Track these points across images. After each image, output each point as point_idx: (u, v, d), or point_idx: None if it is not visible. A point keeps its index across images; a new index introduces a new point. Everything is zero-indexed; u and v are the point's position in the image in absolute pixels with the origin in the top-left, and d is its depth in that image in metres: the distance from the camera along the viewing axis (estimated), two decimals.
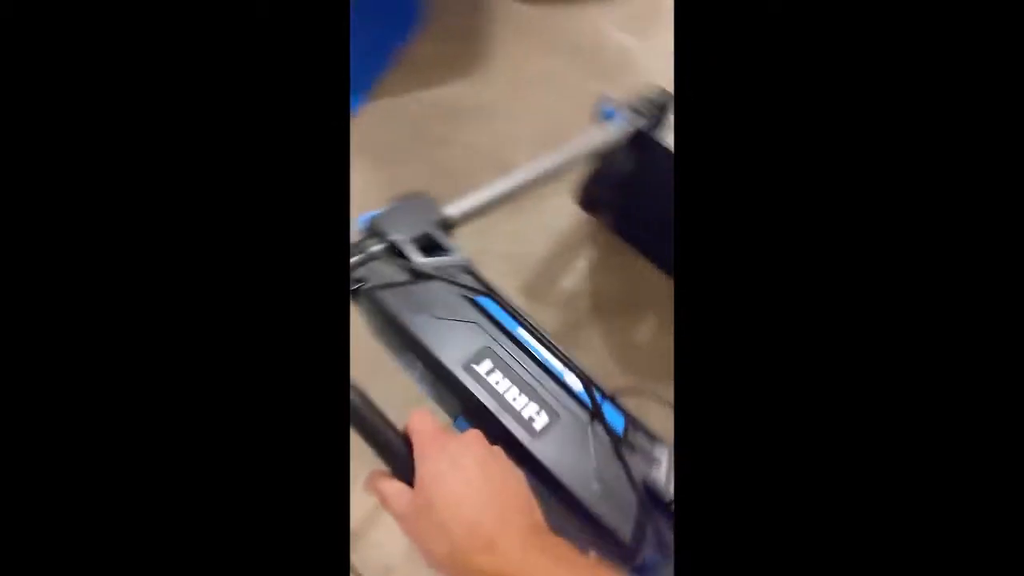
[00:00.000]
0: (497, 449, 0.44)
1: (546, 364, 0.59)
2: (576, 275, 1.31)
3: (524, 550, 0.37)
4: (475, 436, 0.44)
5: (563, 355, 0.61)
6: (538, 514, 0.41)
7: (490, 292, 0.65)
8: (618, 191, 1.18)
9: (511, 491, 0.41)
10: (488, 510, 0.39)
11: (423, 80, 1.51)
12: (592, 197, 1.25)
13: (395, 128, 1.44)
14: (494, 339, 0.59)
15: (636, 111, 1.10)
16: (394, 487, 0.42)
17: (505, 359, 0.58)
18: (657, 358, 1.17)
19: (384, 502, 0.42)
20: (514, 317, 0.63)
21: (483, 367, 0.56)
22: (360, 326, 0.61)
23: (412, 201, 0.74)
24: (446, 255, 0.68)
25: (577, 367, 0.60)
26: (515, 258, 1.31)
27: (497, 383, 0.56)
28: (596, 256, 1.33)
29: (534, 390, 0.56)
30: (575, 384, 0.59)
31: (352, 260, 0.65)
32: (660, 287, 1.22)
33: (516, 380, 0.56)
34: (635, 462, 0.54)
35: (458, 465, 0.41)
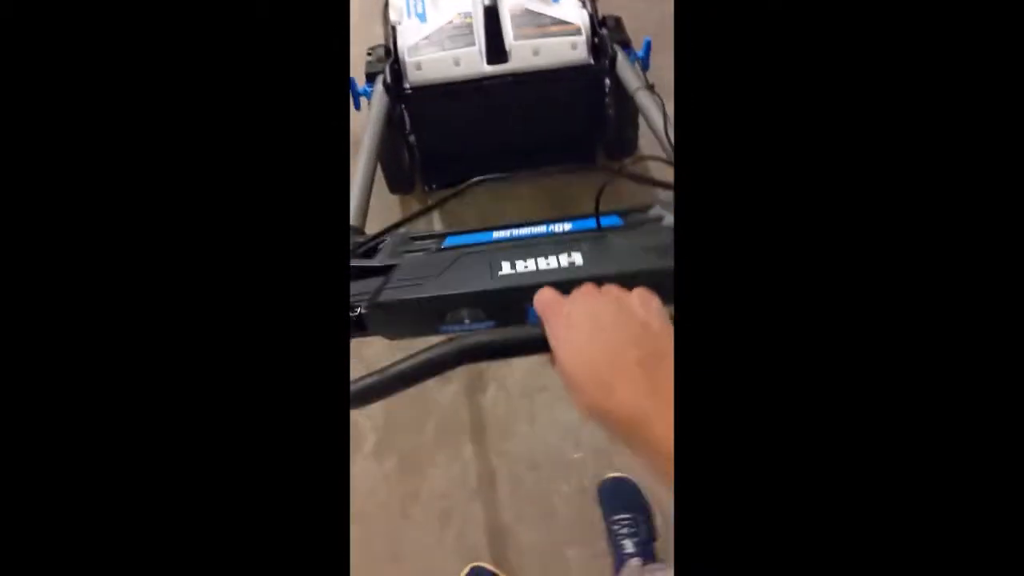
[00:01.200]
0: (607, 290, 0.46)
1: (536, 234, 0.65)
2: None
3: (635, 394, 0.38)
4: (584, 291, 0.46)
5: (535, 221, 0.67)
6: (654, 342, 0.41)
7: (445, 233, 0.68)
8: None
9: (621, 331, 0.42)
10: (602, 357, 0.41)
11: None
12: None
13: None
14: (488, 251, 0.62)
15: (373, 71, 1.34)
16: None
17: (512, 253, 0.61)
18: None
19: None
20: (481, 231, 0.67)
21: (505, 268, 0.60)
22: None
23: None
24: (384, 240, 0.70)
25: (552, 219, 0.66)
26: None
27: (526, 267, 0.60)
28: None
29: (553, 247, 0.61)
30: (566, 225, 0.65)
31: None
32: None
33: (534, 254, 0.60)
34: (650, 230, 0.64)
35: (572, 324, 0.43)
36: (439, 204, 0.70)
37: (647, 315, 0.43)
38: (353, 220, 0.86)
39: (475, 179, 0.72)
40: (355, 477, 1.28)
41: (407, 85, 1.30)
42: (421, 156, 1.52)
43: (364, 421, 1.33)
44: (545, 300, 0.47)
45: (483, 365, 1.35)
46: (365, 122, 1.38)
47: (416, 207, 1.61)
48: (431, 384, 1.35)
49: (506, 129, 1.45)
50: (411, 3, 1.40)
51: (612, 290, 0.45)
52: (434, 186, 1.59)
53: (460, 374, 1.37)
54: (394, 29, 1.35)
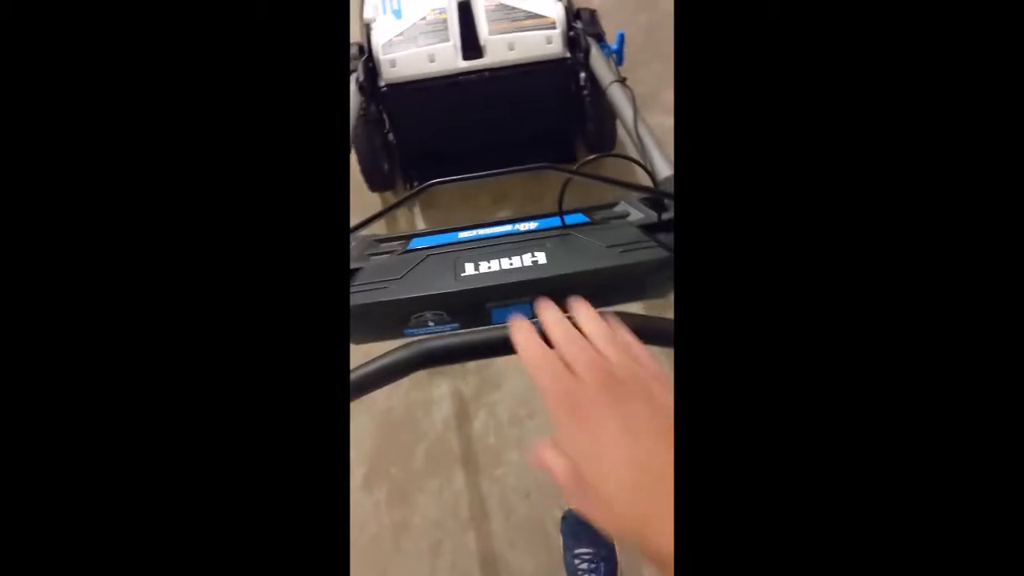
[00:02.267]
0: (626, 372, 0.40)
1: (501, 233, 0.64)
2: None
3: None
4: (598, 375, 0.39)
5: (502, 220, 0.66)
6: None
7: (411, 235, 0.67)
8: None
9: (659, 443, 0.36)
10: (641, 480, 0.35)
11: None
12: None
13: None
14: (452, 252, 0.62)
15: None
16: (556, 461, 0.39)
17: (476, 254, 0.61)
18: None
19: (552, 476, 0.39)
20: (447, 231, 0.66)
21: (468, 269, 0.59)
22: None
23: None
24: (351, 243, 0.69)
25: (518, 217, 0.66)
26: None
27: (489, 267, 0.59)
28: None
29: (517, 247, 0.60)
30: (531, 224, 0.64)
31: None
32: None
33: (497, 254, 0.60)
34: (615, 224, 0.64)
35: (598, 434, 0.37)
36: (398, 204, 0.70)
37: (671, 399, 0.38)
38: None
39: (433, 182, 0.72)
40: None
41: (382, 83, 1.29)
42: (401, 153, 1.52)
43: (353, 451, 1.32)
44: (550, 379, 0.40)
45: (472, 391, 1.35)
46: None
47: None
48: (419, 412, 1.36)
49: (485, 124, 1.44)
50: (386, 0, 1.39)
51: (631, 369, 0.40)
52: (416, 183, 1.58)
53: (448, 400, 1.36)
54: (368, 26, 1.34)
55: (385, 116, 1.40)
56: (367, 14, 1.40)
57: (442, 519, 1.25)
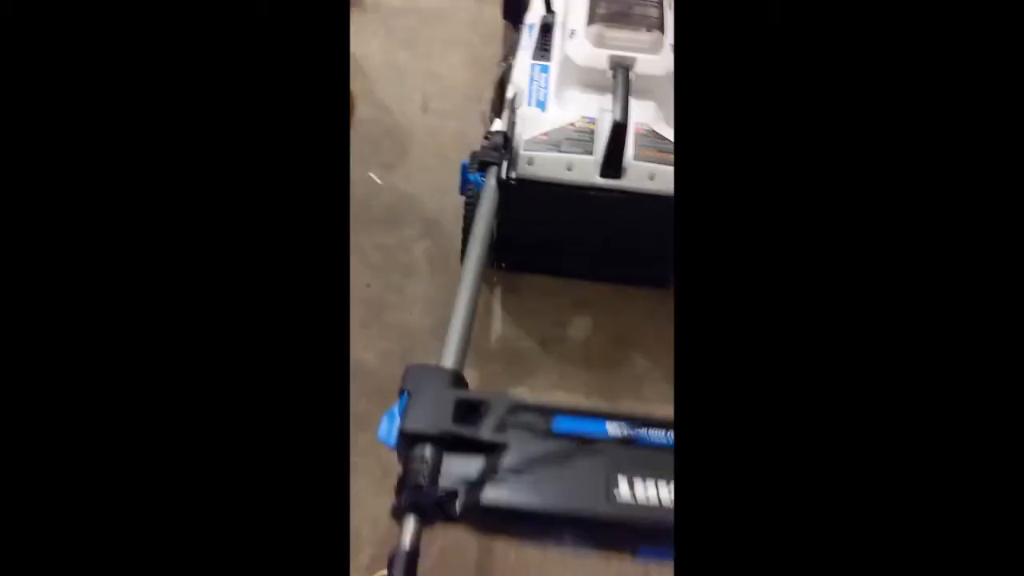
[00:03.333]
0: None
1: (646, 439, 0.57)
2: None
3: None
4: None
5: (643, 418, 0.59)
6: None
7: (553, 408, 0.61)
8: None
9: None
10: None
11: None
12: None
13: None
14: (603, 452, 0.56)
15: (489, 160, 1.22)
16: None
17: (630, 466, 0.54)
18: None
19: None
20: (593, 416, 0.60)
21: (623, 489, 0.53)
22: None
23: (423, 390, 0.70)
24: (486, 408, 0.62)
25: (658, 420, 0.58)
26: None
27: (647, 494, 0.53)
28: None
29: (665, 472, 0.53)
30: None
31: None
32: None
33: (655, 472, 0.53)
34: None
35: None
36: None
37: None
38: (453, 361, 0.79)
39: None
40: None
41: (513, 174, 1.25)
42: (499, 236, 1.47)
43: (365, 530, 1.25)
44: None
45: None
46: (460, 207, 1.33)
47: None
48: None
49: (593, 235, 1.40)
50: (534, 88, 1.35)
51: None
52: (503, 265, 1.53)
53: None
54: (513, 113, 1.30)
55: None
56: (509, 92, 1.36)
57: None
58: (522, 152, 1.24)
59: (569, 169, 1.25)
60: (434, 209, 1.65)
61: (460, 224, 1.40)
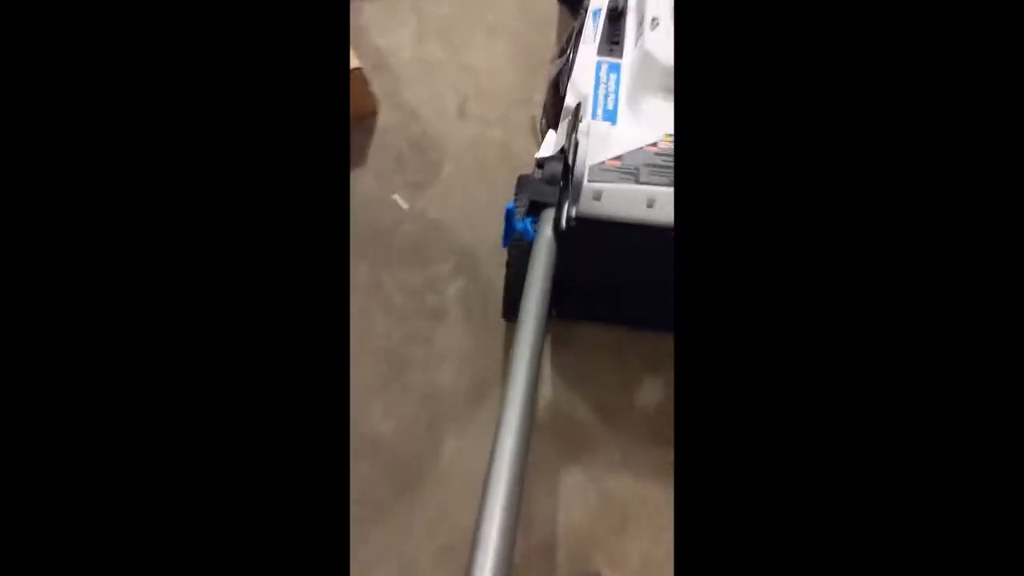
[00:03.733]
0: None
1: None
2: None
3: None
4: None
5: None
6: None
7: None
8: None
9: None
10: None
11: None
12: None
13: None
14: None
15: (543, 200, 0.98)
16: None
17: None
18: None
19: None
20: None
21: None
22: None
23: None
24: None
25: None
26: None
27: None
28: None
29: None
30: None
31: None
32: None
33: None
34: None
35: None
36: None
37: None
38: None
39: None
40: None
41: (573, 213, 0.94)
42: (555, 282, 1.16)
43: None
44: None
45: None
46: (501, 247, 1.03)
47: None
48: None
49: (662, 280, 1.08)
50: (601, 94, 1.03)
51: None
52: (555, 312, 1.22)
53: None
54: (574, 129, 0.98)
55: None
56: (569, 97, 1.05)
57: None
58: (586, 184, 0.93)
59: (650, 206, 0.93)
60: (470, 240, 1.34)
61: (502, 260, 1.10)
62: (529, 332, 0.76)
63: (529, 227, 0.90)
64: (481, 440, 1.17)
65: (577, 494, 1.14)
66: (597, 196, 0.94)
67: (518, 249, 0.99)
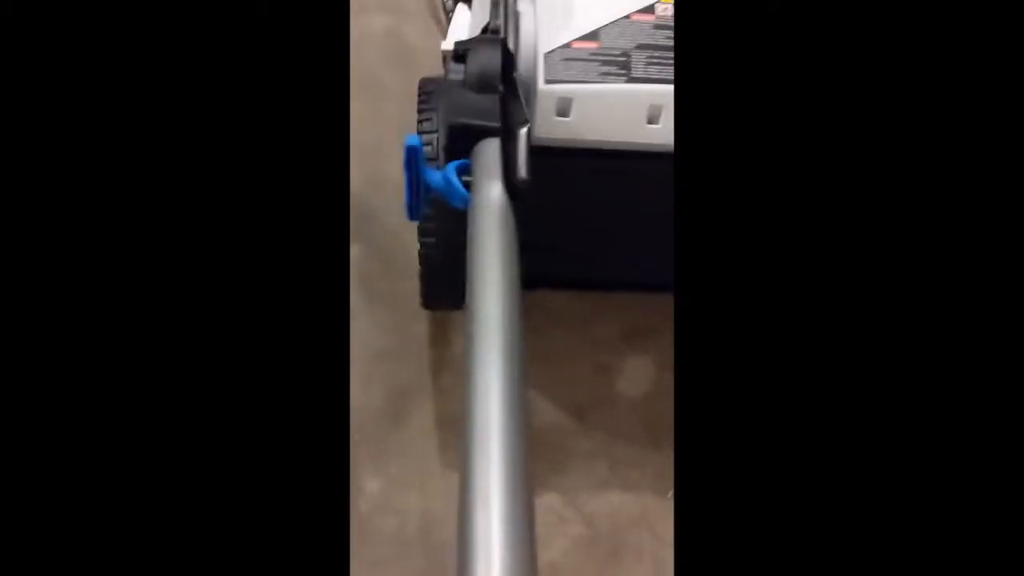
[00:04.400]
0: None
1: None
2: None
3: None
4: None
5: None
6: None
7: None
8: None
9: None
10: None
11: None
12: None
13: None
14: None
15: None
16: None
17: None
18: None
19: None
20: None
21: None
22: None
23: None
24: None
25: None
26: None
27: None
28: None
29: None
30: None
31: None
32: None
33: None
34: None
35: None
36: None
37: None
38: None
39: None
40: None
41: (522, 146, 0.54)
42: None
43: None
44: None
45: None
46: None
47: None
48: None
49: (658, 223, 0.73)
50: None
51: None
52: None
53: None
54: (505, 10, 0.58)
55: None
56: None
57: None
58: (542, 86, 0.54)
59: (652, 121, 0.55)
60: (358, 188, 0.92)
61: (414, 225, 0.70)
62: (496, 301, 0.41)
63: (455, 179, 0.49)
64: (413, 475, 0.84)
65: (554, 525, 0.84)
66: (563, 108, 0.55)
67: (440, 219, 0.60)
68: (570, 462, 0.86)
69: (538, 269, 0.82)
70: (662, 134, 0.56)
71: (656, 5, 0.57)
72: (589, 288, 0.90)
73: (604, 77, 0.55)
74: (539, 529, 0.77)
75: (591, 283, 0.88)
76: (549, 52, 0.55)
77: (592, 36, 0.56)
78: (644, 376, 0.90)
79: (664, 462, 0.86)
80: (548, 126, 0.55)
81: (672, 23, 0.57)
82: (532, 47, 0.56)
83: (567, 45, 0.55)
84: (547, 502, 0.84)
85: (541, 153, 0.54)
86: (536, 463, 0.83)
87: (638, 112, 0.55)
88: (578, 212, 0.71)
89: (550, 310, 0.90)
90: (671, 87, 0.55)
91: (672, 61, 0.55)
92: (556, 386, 0.88)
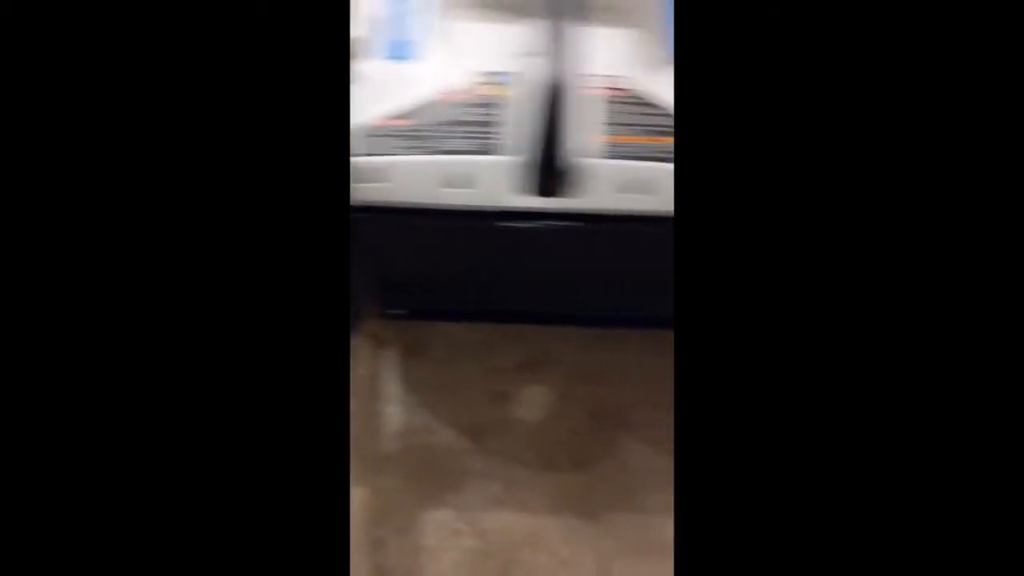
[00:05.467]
0: None
1: None
2: None
3: None
4: None
5: None
6: None
7: None
8: None
9: None
10: None
11: None
12: None
13: None
14: None
15: None
16: None
17: None
18: None
19: None
20: None
21: None
22: None
23: None
24: None
25: None
26: None
27: None
28: None
29: None
30: None
31: None
32: None
33: None
34: None
35: None
36: None
37: None
38: None
39: None
40: None
41: (353, 201, 0.62)
42: (375, 279, 0.86)
43: None
44: None
45: None
46: None
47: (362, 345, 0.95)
48: None
49: (527, 268, 0.80)
50: (391, 17, 0.70)
51: None
52: (397, 311, 0.94)
53: None
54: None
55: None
56: (356, 30, 0.71)
57: None
58: (362, 159, 0.62)
59: (471, 186, 0.62)
60: None
61: None
62: None
63: None
64: None
65: (447, 539, 0.90)
66: (383, 176, 0.62)
67: None
68: (465, 481, 0.91)
69: (429, 300, 0.90)
70: (480, 199, 0.63)
71: (470, 84, 0.64)
72: (484, 319, 0.96)
73: (414, 148, 0.62)
74: (430, 541, 0.85)
75: (485, 314, 0.95)
76: (371, 129, 0.63)
77: (408, 114, 0.63)
78: (537, 400, 0.95)
79: (558, 481, 0.92)
80: (369, 191, 0.63)
81: (486, 99, 0.64)
82: (361, 124, 0.63)
83: (383, 122, 0.62)
84: (440, 517, 0.90)
85: (376, 213, 0.63)
86: (432, 483, 0.90)
87: (440, 176, 0.62)
88: (438, 259, 0.78)
89: (450, 341, 0.97)
90: (482, 159, 0.61)
91: (477, 135, 0.62)
92: (454, 412, 0.94)
